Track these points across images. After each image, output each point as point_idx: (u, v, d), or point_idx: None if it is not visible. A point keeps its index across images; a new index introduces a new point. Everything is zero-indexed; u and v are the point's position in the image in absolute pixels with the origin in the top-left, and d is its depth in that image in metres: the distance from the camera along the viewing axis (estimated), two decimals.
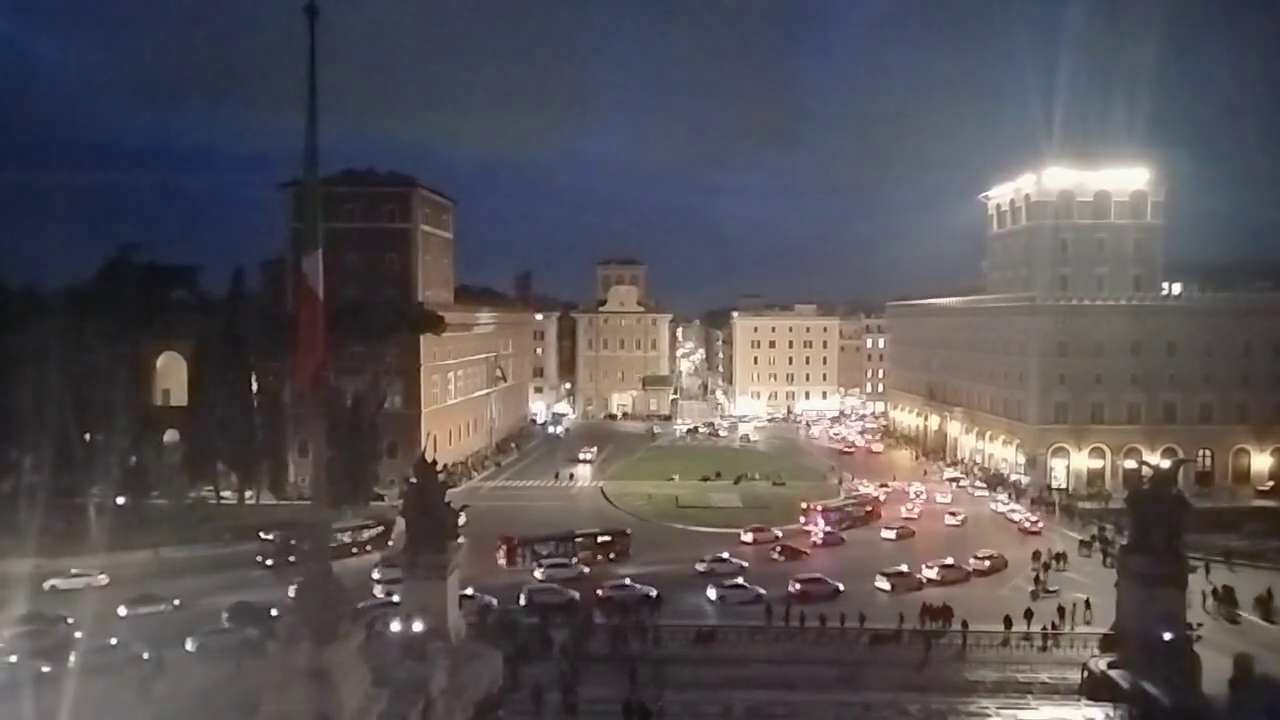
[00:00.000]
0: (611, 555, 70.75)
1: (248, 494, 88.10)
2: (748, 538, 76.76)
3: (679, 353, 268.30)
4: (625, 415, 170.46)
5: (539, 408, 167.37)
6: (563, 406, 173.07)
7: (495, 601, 57.86)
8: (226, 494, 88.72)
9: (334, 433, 67.95)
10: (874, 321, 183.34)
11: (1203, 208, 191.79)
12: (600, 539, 72.06)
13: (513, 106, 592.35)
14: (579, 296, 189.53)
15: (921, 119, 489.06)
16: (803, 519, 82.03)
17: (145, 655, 47.17)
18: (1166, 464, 52.78)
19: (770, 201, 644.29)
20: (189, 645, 49.96)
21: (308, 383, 24.87)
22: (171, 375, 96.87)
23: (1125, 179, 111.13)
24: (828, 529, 79.33)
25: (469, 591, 55.51)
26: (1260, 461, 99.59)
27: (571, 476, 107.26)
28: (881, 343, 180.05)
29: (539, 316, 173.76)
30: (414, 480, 44.05)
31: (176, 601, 57.96)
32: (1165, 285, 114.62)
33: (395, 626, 40.73)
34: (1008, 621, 54.14)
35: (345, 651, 24.11)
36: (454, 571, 43.21)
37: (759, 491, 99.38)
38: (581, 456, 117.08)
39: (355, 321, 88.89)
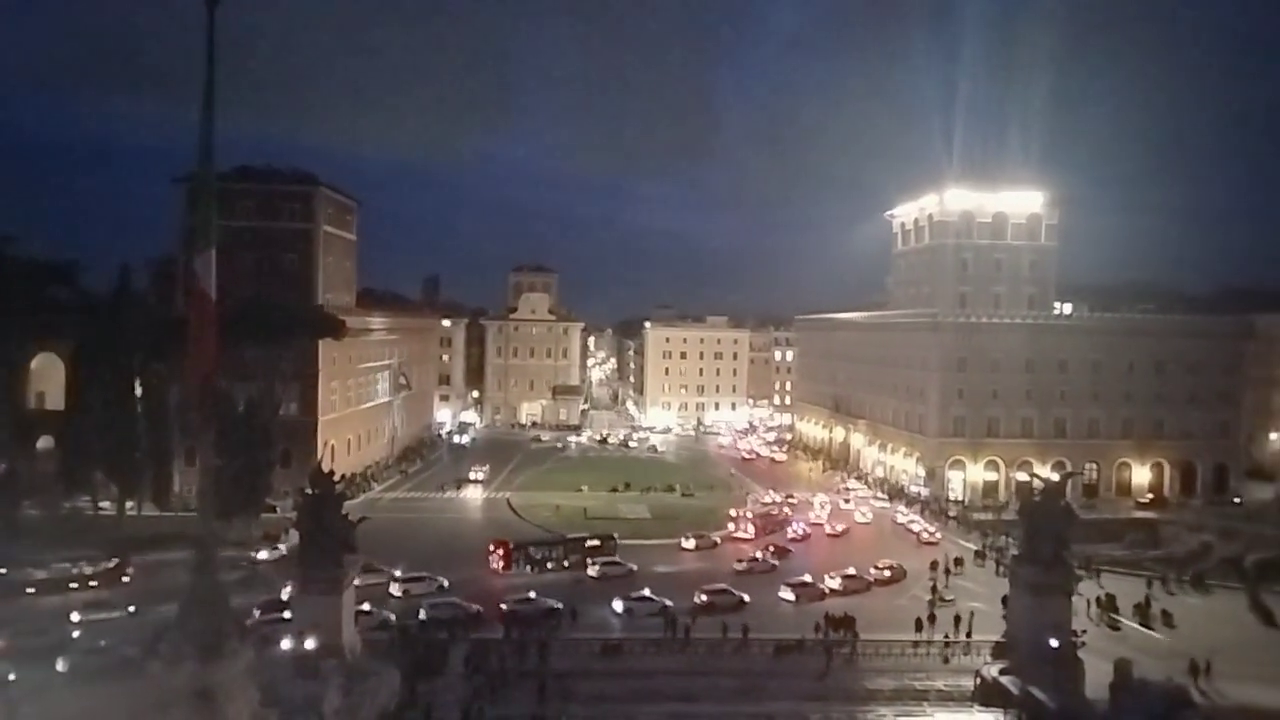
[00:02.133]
0: (598, 560, 72.42)
1: (129, 505, 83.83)
2: (689, 545, 78.50)
3: (590, 362, 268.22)
4: (535, 424, 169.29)
5: (444, 416, 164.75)
6: (469, 415, 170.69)
7: (393, 616, 56.63)
8: (105, 505, 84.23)
9: (224, 441, 65.30)
10: (783, 334, 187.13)
11: (1094, 231, 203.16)
12: (589, 543, 74.01)
13: (426, 110, 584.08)
14: (489, 303, 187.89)
15: (832, 137, 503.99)
16: (732, 525, 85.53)
17: (11, 677, 44.28)
18: (1056, 477, 55.48)
19: (685, 213, 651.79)
20: (59, 666, 47.14)
21: (197, 387, 23.98)
22: (47, 377, 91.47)
23: (1022, 202, 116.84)
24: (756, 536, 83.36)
25: (365, 607, 54.15)
26: (1140, 475, 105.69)
27: (458, 486, 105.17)
28: (790, 355, 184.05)
29: (446, 323, 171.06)
30: (309, 491, 42.82)
31: (131, 608, 55.71)
32: (1057, 305, 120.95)
33: (287, 643, 39.44)
34: (919, 624, 56.76)
35: (232, 670, 23.27)
36: (350, 586, 42.14)
37: (668, 502, 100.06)
38: (472, 476, 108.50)
39: (250, 324, 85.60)
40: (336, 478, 44.91)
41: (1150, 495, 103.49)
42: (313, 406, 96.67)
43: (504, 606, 58.70)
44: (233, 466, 73.33)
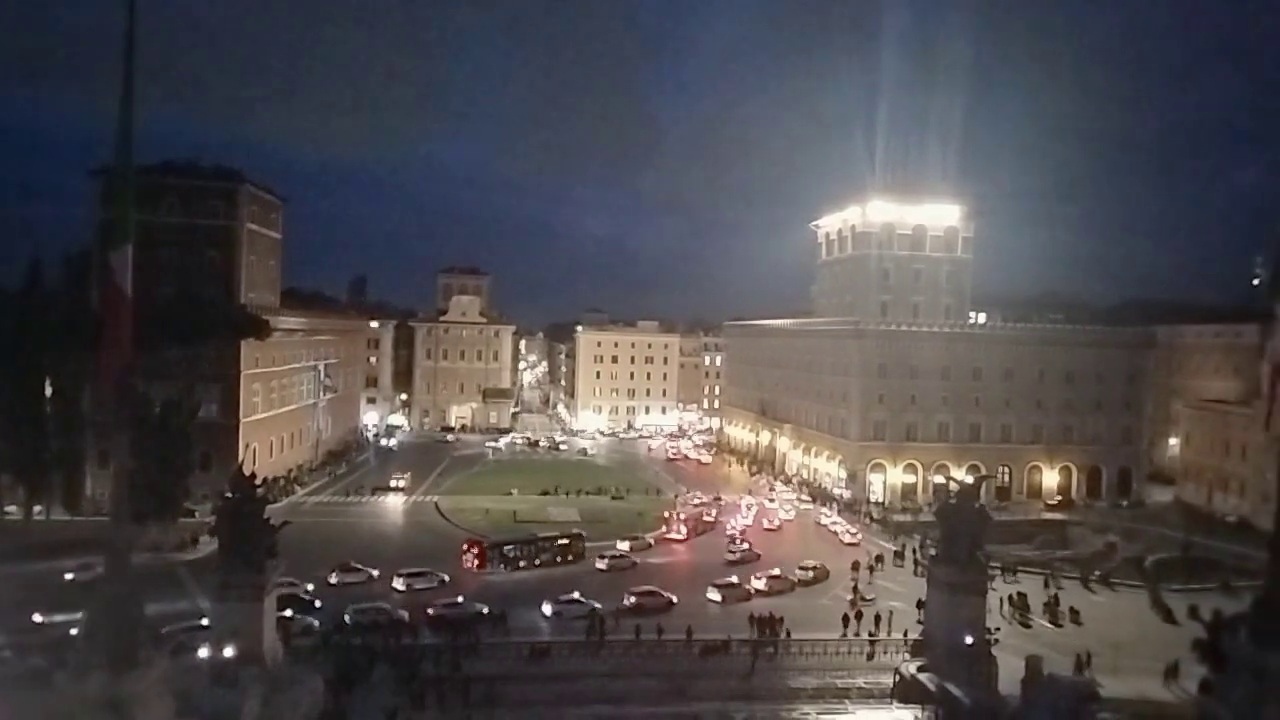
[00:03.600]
0: (569, 557, 74.39)
1: (36, 509, 79.85)
2: (624, 546, 78.70)
3: (522, 366, 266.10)
4: (464, 428, 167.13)
5: (371, 419, 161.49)
6: (397, 418, 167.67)
7: (317, 623, 55.14)
8: (11, 509, 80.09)
9: (139, 443, 62.66)
10: (712, 340, 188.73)
11: (1008, 244, 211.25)
12: (559, 541, 75.46)
13: (356, 108, 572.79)
14: (418, 305, 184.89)
15: (763, 148, 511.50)
16: (664, 527, 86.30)
17: None
18: (970, 480, 57.14)
19: (617, 219, 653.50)
20: None
21: (111, 387, 22.93)
22: None
23: (940, 215, 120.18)
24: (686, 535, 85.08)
25: (288, 613, 52.59)
26: (1050, 478, 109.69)
27: (380, 491, 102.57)
28: (719, 360, 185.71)
29: (374, 324, 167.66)
30: (229, 495, 41.39)
31: (38, 617, 52.58)
32: (973, 314, 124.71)
33: (204, 651, 38.02)
34: (846, 621, 58.31)
35: (146, 680, 22.27)
36: (272, 592, 40.87)
37: (598, 505, 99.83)
38: (392, 484, 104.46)
39: (169, 322, 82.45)
40: (258, 481, 43.51)
41: (1059, 497, 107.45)
42: (234, 408, 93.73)
43: (431, 611, 57.69)
44: (148, 470, 70.44)
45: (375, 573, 67.42)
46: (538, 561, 72.88)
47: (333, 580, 65.58)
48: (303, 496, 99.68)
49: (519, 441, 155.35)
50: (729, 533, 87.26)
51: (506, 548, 73.03)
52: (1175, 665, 49.71)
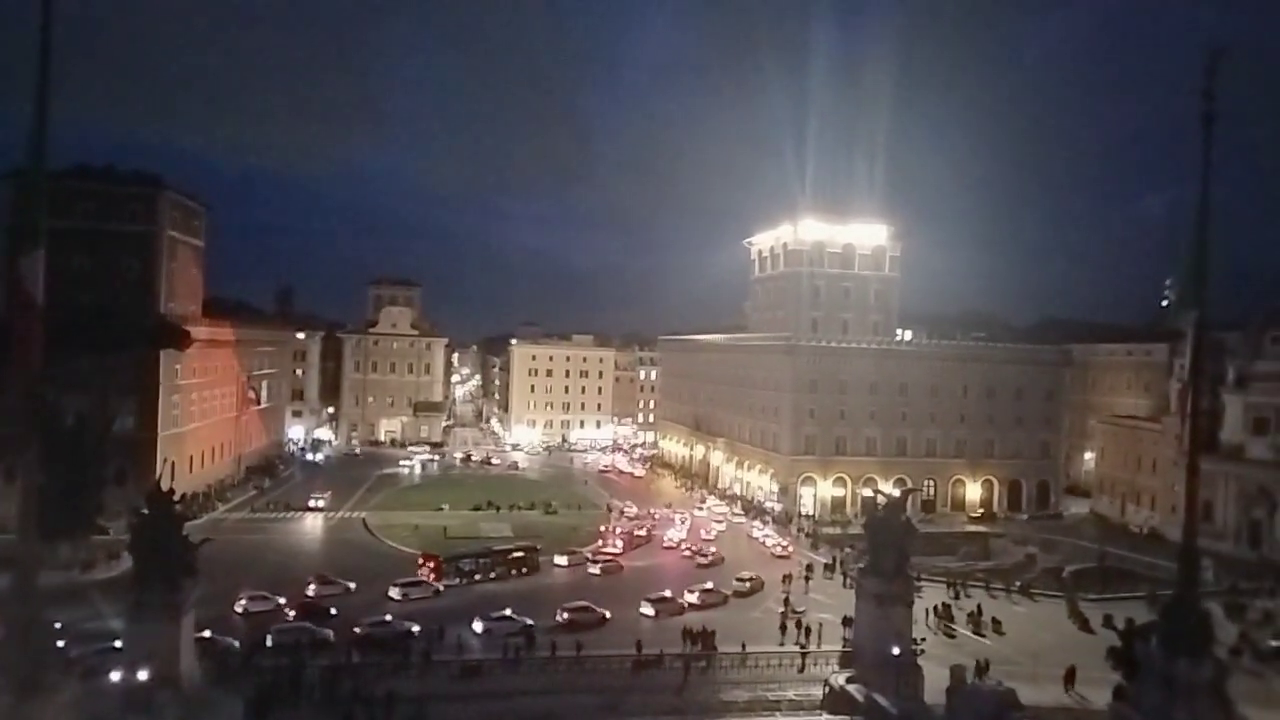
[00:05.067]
0: (524, 570, 74.85)
1: None
2: (562, 561, 78.46)
3: (454, 379, 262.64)
4: (394, 442, 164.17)
5: (298, 433, 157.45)
6: (324, 432, 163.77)
7: (237, 643, 53.30)
8: None
9: (50, 456, 59.81)
10: (647, 354, 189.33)
11: (932, 264, 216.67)
12: (513, 554, 75.66)
13: (284, 114, 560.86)
14: (347, 317, 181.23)
15: (697, 165, 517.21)
16: (601, 542, 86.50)
17: None
18: (897, 493, 58.22)
19: (552, 232, 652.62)
20: None
21: (19, 398, 21.84)
22: None
23: (869, 235, 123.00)
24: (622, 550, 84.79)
25: (207, 634, 50.70)
26: (973, 491, 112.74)
27: (303, 509, 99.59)
28: (654, 375, 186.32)
29: (301, 335, 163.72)
30: (145, 511, 39.73)
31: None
32: (900, 332, 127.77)
33: (117, 675, 36.31)
34: (784, 629, 59.76)
35: (53, 706, 21.16)
36: (190, 612, 39.31)
37: (530, 520, 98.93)
38: (311, 503, 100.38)
39: (83, 331, 79.22)
40: (176, 497, 41.88)
41: (981, 510, 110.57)
42: (152, 421, 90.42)
43: (357, 630, 56.28)
44: (59, 485, 67.17)
45: (352, 585, 67.65)
46: (493, 574, 73.01)
47: (309, 593, 64.78)
48: (224, 513, 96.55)
49: (454, 456, 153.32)
50: (670, 544, 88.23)
51: (463, 561, 73.05)
52: (1072, 670, 51.99)
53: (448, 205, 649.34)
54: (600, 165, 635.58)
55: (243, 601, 61.63)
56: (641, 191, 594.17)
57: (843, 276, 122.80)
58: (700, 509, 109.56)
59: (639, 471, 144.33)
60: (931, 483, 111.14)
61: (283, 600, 62.40)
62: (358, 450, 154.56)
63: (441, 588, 68.69)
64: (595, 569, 77.52)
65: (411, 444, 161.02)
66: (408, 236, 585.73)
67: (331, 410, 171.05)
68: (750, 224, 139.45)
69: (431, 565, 71.73)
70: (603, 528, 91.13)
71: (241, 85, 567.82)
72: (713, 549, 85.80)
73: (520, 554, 76.44)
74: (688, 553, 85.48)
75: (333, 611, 60.64)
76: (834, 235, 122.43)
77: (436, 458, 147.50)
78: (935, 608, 66.38)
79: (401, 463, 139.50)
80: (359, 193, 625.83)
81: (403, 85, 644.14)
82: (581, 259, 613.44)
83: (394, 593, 66.48)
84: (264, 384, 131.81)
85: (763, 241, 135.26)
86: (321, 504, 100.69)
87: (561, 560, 79.13)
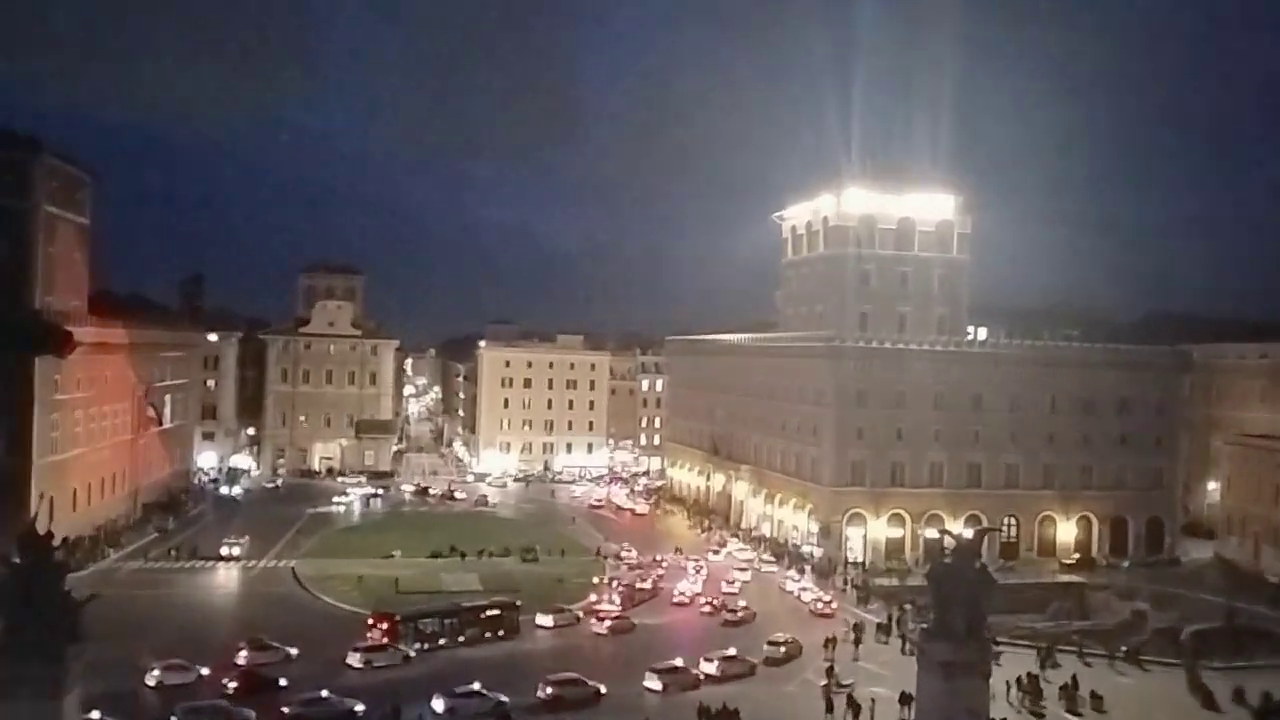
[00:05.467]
0: (500, 632, 75.39)
1: None
2: (546, 621, 79.18)
3: (408, 392, 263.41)
4: (332, 471, 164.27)
5: (210, 461, 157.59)
6: (243, 460, 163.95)
7: None
8: None
9: None
10: (652, 359, 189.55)
11: (1013, 244, 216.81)
12: (487, 613, 75.99)
13: (194, 62, 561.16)
14: (272, 313, 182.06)
15: (714, 122, 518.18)
16: (593, 595, 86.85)
17: None
18: (969, 534, 58.02)
19: (532, 208, 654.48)
20: None
21: None
22: None
23: (932, 207, 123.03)
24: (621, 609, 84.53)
25: (95, 715, 50.63)
26: (1065, 531, 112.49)
27: (217, 559, 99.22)
28: (659, 385, 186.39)
29: (213, 337, 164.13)
30: (16, 560, 39.71)
31: None
32: (971, 329, 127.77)
33: None
34: (828, 704, 59.71)
35: None
36: (75, 688, 39.25)
37: (504, 570, 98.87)
38: (224, 551, 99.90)
39: None
40: (57, 541, 41.89)
41: (1076, 555, 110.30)
42: (24, 446, 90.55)
43: (286, 711, 56.24)
44: None
45: (294, 651, 67.61)
46: (462, 638, 73.13)
47: (240, 661, 64.99)
48: (117, 561, 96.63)
49: (405, 490, 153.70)
50: (681, 598, 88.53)
51: (424, 622, 73.09)
52: None
53: (401, 174, 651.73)
54: (590, 125, 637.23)
55: (155, 673, 61.50)
56: (643, 156, 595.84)
57: (899, 259, 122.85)
58: (719, 554, 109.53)
59: (641, 508, 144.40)
60: (1012, 521, 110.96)
61: (206, 671, 62.21)
62: (279, 483, 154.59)
63: (412, 653, 69.14)
64: (602, 627, 78.32)
65: (353, 473, 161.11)
66: (350, 212, 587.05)
67: (252, 432, 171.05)
68: (781, 194, 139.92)
69: (385, 627, 71.69)
70: (596, 579, 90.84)
71: (138, 22, 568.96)
72: (741, 603, 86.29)
73: (496, 612, 76.60)
74: (708, 608, 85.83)
75: (282, 682, 60.88)
76: (888, 207, 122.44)
77: (381, 491, 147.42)
78: (1019, 679, 66.16)
79: (336, 500, 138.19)
80: (287, 158, 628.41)
81: (345, 24, 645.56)
82: (568, 240, 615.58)
83: (354, 660, 66.72)
84: (167, 399, 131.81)
85: (797, 216, 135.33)
86: (238, 551, 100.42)
87: (545, 620, 79.16)
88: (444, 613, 75.54)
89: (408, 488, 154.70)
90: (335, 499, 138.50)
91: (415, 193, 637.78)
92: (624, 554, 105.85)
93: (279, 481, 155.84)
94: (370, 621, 73.26)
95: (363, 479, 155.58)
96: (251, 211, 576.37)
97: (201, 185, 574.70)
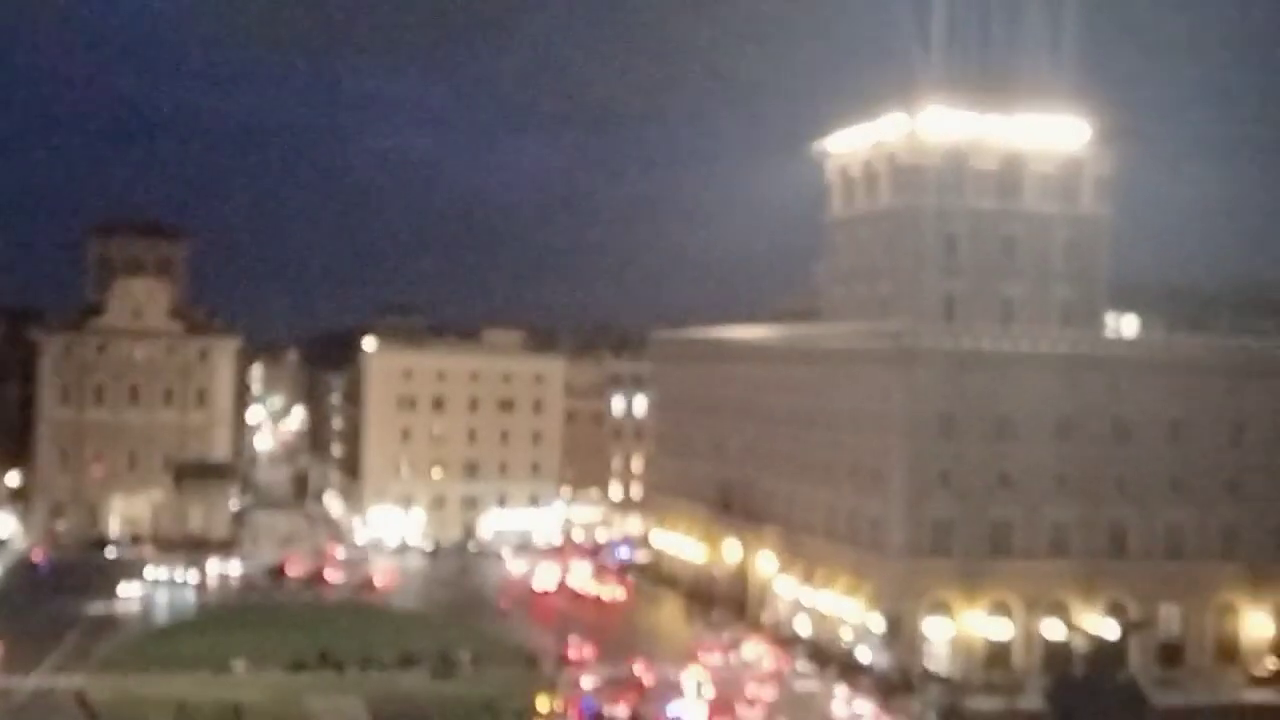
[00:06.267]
0: None
1: None
2: None
3: (254, 418, 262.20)
4: (138, 539, 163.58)
5: None
6: (2, 521, 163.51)
7: None
8: None
9: None
10: (628, 367, 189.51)
11: (1172, 195, 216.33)
12: None
13: None
14: (47, 298, 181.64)
15: (715, 12, 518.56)
16: None
17: None
18: (1114, 632, 58.45)
19: (445, 139, 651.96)
20: None
21: None
22: None
23: (1053, 135, 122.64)
24: None
25: None
26: (1259, 625, 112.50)
27: None
28: (641, 407, 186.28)
29: None
30: None
31: None
32: (1113, 317, 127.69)
33: None
34: None
35: None
36: None
37: (406, 690, 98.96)
38: None
39: None
40: None
41: (1275, 662, 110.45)
42: None
43: None
44: None
45: None
46: None
47: None
48: None
49: (238, 571, 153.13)
50: None
51: None
52: None
53: (239, 83, 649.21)
54: (535, 7, 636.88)
55: None
56: (614, 58, 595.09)
57: (1003, 214, 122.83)
58: (731, 658, 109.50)
59: (615, 591, 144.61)
60: (1176, 609, 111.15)
61: None
62: (39, 560, 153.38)
63: None
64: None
65: (164, 546, 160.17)
66: (163, 143, 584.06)
67: (15, 481, 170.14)
68: (823, 115, 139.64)
69: None
70: (544, 704, 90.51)
71: None
72: None
73: None
74: None
75: None
76: (987, 135, 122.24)
77: (280, 567, 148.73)
78: None
79: (121, 594, 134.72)
80: (66, 57, 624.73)
81: None
82: (500, 187, 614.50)
83: None
84: None
85: (849, 149, 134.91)
86: None
87: None
88: None
89: (247, 567, 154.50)
90: (122, 593, 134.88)
91: (263, 113, 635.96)
92: (585, 663, 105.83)
93: (38, 559, 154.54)
94: None
95: (164, 564, 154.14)
96: (9, 142, 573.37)
97: None
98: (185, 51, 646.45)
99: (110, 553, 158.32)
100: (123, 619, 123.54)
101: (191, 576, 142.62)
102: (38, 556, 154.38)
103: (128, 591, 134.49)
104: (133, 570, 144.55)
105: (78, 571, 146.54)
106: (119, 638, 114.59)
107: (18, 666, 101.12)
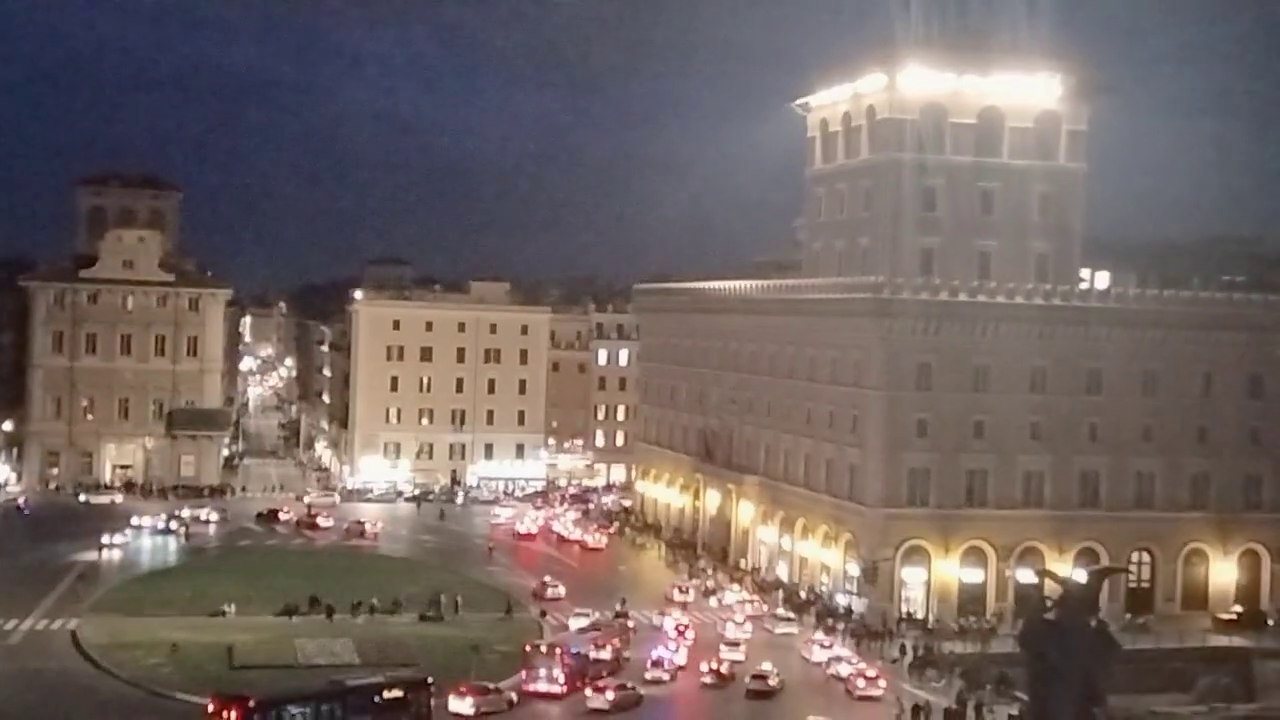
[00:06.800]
0: None
1: None
2: (463, 707, 78.70)
3: (246, 367, 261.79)
4: (132, 485, 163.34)
5: None
6: None
7: None
8: None
9: None
10: (613, 318, 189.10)
11: (1146, 150, 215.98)
12: (385, 695, 75.05)
13: None
14: (40, 249, 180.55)
15: None
16: (525, 674, 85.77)
17: None
18: (1083, 577, 58.46)
19: (432, 92, 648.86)
20: None
21: None
22: None
23: (1029, 90, 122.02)
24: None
25: None
26: (1223, 572, 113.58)
27: None
28: (625, 358, 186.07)
29: None
30: None
31: None
32: (1087, 274, 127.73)
33: None
34: None
35: None
36: None
37: (394, 633, 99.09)
38: None
39: None
40: None
41: (1239, 608, 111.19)
42: None
43: None
44: None
45: None
46: None
47: None
48: None
49: (233, 517, 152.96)
50: (662, 669, 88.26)
51: (291, 709, 71.97)
52: None
53: (230, 37, 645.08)
54: None
55: None
56: (596, 18, 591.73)
57: (981, 169, 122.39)
58: (712, 603, 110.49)
59: (597, 539, 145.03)
60: (1146, 556, 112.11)
61: None
62: (22, 502, 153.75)
63: None
64: (602, 700, 78.83)
65: (162, 490, 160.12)
66: (154, 97, 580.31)
67: (9, 427, 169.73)
68: (804, 74, 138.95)
69: (234, 714, 70.32)
70: (527, 645, 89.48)
71: None
72: (767, 665, 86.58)
73: (398, 694, 76.02)
74: (710, 677, 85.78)
75: None
76: (965, 91, 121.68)
77: (275, 512, 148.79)
78: None
79: (105, 542, 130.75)
80: (61, 9, 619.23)
81: None
82: (487, 141, 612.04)
83: None
84: None
85: (829, 105, 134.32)
86: None
87: (463, 706, 79.13)
88: (320, 694, 74.31)
89: (240, 514, 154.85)
90: (105, 541, 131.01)
91: (252, 67, 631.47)
92: (565, 608, 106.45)
93: (22, 502, 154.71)
94: (210, 709, 71.38)
95: (175, 500, 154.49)
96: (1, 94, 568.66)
97: None
98: (175, 5, 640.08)
99: (103, 498, 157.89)
100: (115, 564, 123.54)
101: (183, 522, 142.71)
102: (20, 501, 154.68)
103: (120, 537, 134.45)
104: (125, 516, 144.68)
105: (70, 517, 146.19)
106: (112, 582, 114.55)
107: (12, 611, 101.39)
